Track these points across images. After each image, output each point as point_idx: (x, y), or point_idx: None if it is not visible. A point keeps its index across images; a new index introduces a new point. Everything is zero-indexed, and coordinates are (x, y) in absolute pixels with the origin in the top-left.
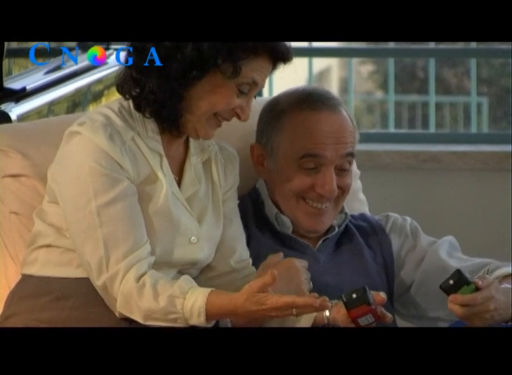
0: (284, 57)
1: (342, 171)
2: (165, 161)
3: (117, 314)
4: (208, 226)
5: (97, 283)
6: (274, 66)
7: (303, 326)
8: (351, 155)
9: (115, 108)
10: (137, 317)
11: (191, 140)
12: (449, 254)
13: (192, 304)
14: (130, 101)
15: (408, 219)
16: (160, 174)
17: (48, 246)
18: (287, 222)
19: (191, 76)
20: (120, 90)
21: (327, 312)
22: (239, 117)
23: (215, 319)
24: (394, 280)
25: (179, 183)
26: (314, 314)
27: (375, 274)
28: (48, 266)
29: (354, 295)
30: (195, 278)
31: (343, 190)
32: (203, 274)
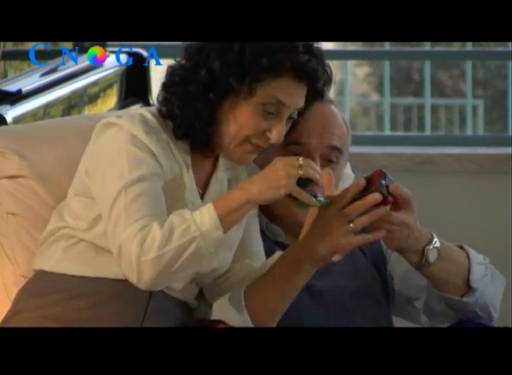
0: (312, 76)
1: (329, 162)
2: (191, 172)
3: (134, 277)
4: (227, 238)
5: (115, 249)
6: (310, 87)
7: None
8: (337, 149)
9: (152, 111)
10: (153, 252)
11: (221, 156)
12: None
13: (200, 209)
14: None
15: None
16: (186, 181)
17: (68, 243)
18: (278, 230)
19: (209, 98)
20: (158, 99)
21: None
22: (269, 139)
23: (229, 218)
24: (387, 279)
25: (202, 196)
26: None
27: (369, 275)
28: (64, 262)
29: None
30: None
31: None
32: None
